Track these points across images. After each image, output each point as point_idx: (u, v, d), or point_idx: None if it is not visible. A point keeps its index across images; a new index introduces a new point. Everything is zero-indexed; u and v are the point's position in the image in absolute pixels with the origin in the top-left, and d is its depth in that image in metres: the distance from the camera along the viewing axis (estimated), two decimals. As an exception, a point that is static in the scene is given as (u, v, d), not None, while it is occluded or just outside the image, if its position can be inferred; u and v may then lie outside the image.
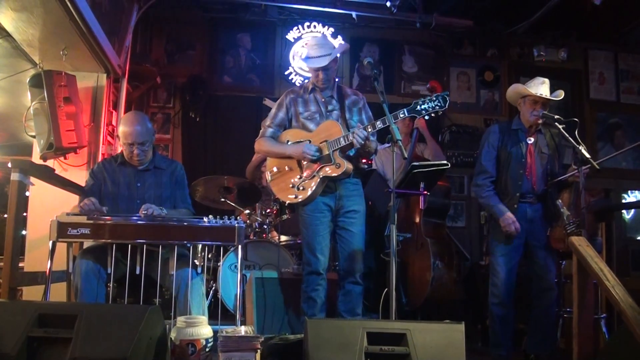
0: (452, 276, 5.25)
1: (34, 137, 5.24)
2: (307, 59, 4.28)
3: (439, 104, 3.88)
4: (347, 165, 4.08)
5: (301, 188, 4.16)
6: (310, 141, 4.18)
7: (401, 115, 3.89)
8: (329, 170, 4.09)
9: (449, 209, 5.88)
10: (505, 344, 4.46)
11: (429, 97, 3.90)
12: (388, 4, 7.29)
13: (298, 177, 4.19)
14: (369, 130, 3.97)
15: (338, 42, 7.68)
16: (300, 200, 4.16)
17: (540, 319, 4.46)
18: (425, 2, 7.51)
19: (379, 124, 3.93)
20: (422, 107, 3.89)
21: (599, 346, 4.34)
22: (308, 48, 4.31)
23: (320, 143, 4.14)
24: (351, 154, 4.18)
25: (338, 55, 4.31)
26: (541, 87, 4.48)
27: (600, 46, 8.66)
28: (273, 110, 4.42)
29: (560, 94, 4.52)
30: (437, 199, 5.47)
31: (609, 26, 8.00)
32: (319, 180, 4.11)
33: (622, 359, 3.07)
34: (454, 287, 5.26)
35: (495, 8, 7.76)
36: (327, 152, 4.09)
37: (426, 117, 3.99)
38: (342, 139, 4.03)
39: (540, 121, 4.50)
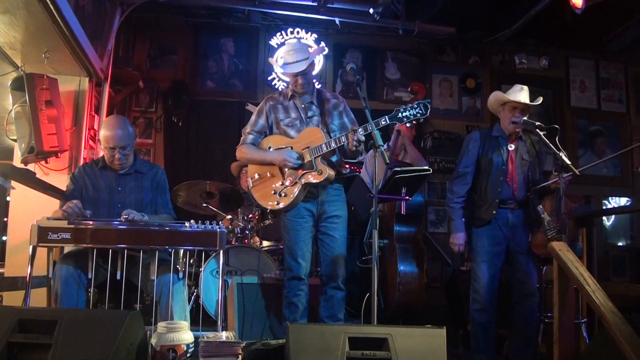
0: (422, 282, 5.25)
1: (15, 140, 5.20)
2: (284, 65, 4.25)
3: (420, 112, 3.90)
4: (329, 172, 4.08)
5: (283, 194, 4.16)
6: (292, 148, 4.19)
7: (383, 122, 3.90)
8: (311, 177, 4.09)
9: (423, 214, 5.86)
10: (486, 349, 4.47)
11: (410, 105, 3.92)
12: (371, 10, 7.32)
13: (280, 183, 4.19)
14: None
15: (319, 46, 7.73)
16: (282, 206, 4.16)
17: (521, 325, 4.48)
18: (408, 9, 7.54)
19: (361, 131, 3.94)
20: (404, 114, 3.91)
21: (580, 350, 4.37)
22: (284, 54, 4.28)
23: (302, 150, 4.14)
24: (334, 160, 4.18)
25: (316, 58, 4.31)
26: (520, 94, 4.51)
27: (581, 54, 8.75)
28: (253, 117, 4.41)
29: (538, 100, 4.56)
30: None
31: (590, 35, 8.08)
32: (300, 186, 4.11)
33: (602, 363, 3.10)
34: (423, 293, 5.27)
35: (478, 16, 7.80)
36: (309, 159, 4.09)
37: (407, 125, 4.01)
38: (324, 146, 4.04)
39: (520, 128, 4.54)
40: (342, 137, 3.99)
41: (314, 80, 4.45)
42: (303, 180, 4.11)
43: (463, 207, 4.64)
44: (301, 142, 4.17)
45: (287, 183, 4.16)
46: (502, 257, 4.55)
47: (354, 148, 3.98)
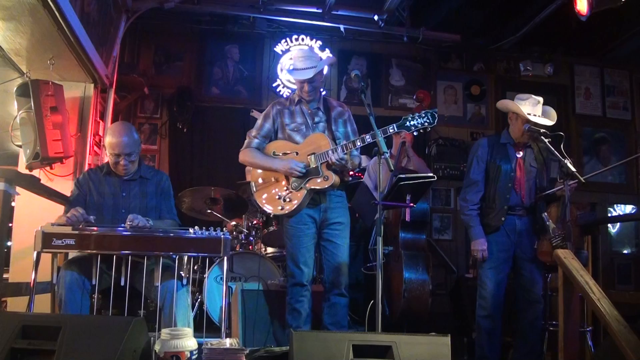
0: (427, 290, 5.22)
1: (20, 146, 5.21)
2: (292, 70, 4.29)
3: (427, 121, 3.91)
4: (335, 178, 4.09)
5: (287, 200, 4.16)
6: (297, 153, 4.19)
7: (390, 131, 3.91)
8: (317, 183, 4.10)
9: (428, 221, 5.82)
10: (491, 357, 4.45)
11: (417, 114, 3.93)
12: (376, 17, 7.34)
13: (285, 188, 4.19)
14: (358, 144, 4.01)
15: (326, 54, 7.73)
16: (286, 211, 4.17)
17: (526, 332, 4.46)
18: (412, 16, 7.55)
19: (368, 139, 3.96)
20: (411, 123, 3.92)
21: (585, 359, 4.35)
22: (294, 60, 4.32)
23: (308, 156, 4.15)
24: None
25: (324, 67, 4.33)
26: (536, 108, 4.48)
27: (586, 62, 8.75)
28: (259, 121, 4.41)
29: (553, 118, 4.51)
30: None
31: (594, 42, 8.08)
32: (306, 192, 4.12)
33: (607, 372, 3.08)
34: (428, 301, 5.23)
35: (482, 23, 7.82)
36: (314, 165, 4.10)
37: (415, 133, 4.01)
38: (330, 152, 4.04)
39: (528, 137, 4.52)
40: (350, 144, 4.02)
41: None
42: (309, 186, 4.12)
43: (479, 213, 4.62)
44: (307, 148, 4.18)
45: (292, 188, 4.16)
46: (510, 263, 4.54)
47: (336, 163, 4.02)
